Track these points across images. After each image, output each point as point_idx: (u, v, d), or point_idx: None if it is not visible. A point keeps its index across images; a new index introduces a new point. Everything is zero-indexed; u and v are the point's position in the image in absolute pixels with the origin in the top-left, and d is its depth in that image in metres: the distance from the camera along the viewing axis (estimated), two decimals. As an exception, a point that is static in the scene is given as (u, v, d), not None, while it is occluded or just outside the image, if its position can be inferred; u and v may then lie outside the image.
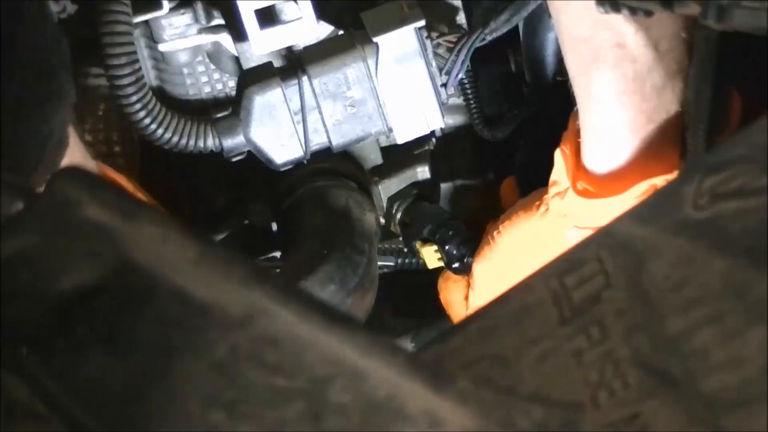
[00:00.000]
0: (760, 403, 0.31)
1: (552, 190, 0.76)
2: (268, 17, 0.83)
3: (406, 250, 0.99)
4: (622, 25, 0.66)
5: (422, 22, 0.82)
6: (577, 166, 0.74)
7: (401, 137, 0.86)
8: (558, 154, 0.75)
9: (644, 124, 0.69)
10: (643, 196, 0.70)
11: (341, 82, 0.82)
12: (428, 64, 0.83)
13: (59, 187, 0.38)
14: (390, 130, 0.85)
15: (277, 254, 0.93)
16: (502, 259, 0.83)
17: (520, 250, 0.81)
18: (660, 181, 0.69)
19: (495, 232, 0.83)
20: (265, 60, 0.87)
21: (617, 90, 0.68)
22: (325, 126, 0.83)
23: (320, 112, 0.83)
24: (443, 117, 0.85)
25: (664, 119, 0.69)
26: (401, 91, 0.84)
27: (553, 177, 0.76)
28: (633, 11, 0.58)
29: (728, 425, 0.31)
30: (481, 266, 0.85)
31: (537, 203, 0.79)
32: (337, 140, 0.84)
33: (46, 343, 0.34)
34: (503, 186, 0.96)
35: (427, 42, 0.83)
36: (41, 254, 0.36)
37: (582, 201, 0.73)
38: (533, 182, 0.85)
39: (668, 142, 0.70)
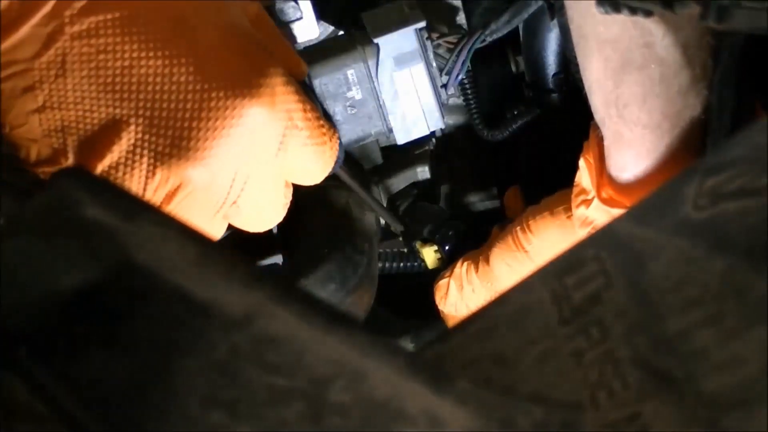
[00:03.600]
0: (760, 403, 0.31)
1: (578, 199, 0.75)
2: (268, 17, 0.83)
3: (406, 250, 0.99)
4: (651, 26, 0.65)
5: (423, 23, 0.82)
6: (601, 175, 0.73)
7: (401, 138, 0.86)
8: (582, 163, 0.75)
9: (669, 130, 0.68)
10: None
11: (341, 83, 0.82)
12: (428, 65, 0.83)
13: (59, 187, 0.38)
14: (390, 130, 0.85)
15: (278, 259, 0.93)
16: (526, 255, 0.83)
17: (544, 251, 0.81)
18: None
19: (518, 228, 0.83)
20: (265, 60, 0.87)
21: (643, 92, 0.67)
22: (325, 126, 0.83)
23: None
24: (443, 117, 0.85)
25: (688, 124, 0.68)
26: (401, 92, 0.84)
27: (579, 185, 0.76)
28: (633, 11, 0.58)
29: (728, 425, 0.31)
30: (501, 254, 0.85)
31: (563, 208, 0.78)
32: (337, 140, 0.84)
33: (46, 343, 0.34)
34: (507, 195, 0.96)
35: (428, 43, 0.83)
36: (41, 254, 0.36)
37: (607, 210, 0.73)
38: (536, 189, 0.85)
39: (691, 149, 0.69)
